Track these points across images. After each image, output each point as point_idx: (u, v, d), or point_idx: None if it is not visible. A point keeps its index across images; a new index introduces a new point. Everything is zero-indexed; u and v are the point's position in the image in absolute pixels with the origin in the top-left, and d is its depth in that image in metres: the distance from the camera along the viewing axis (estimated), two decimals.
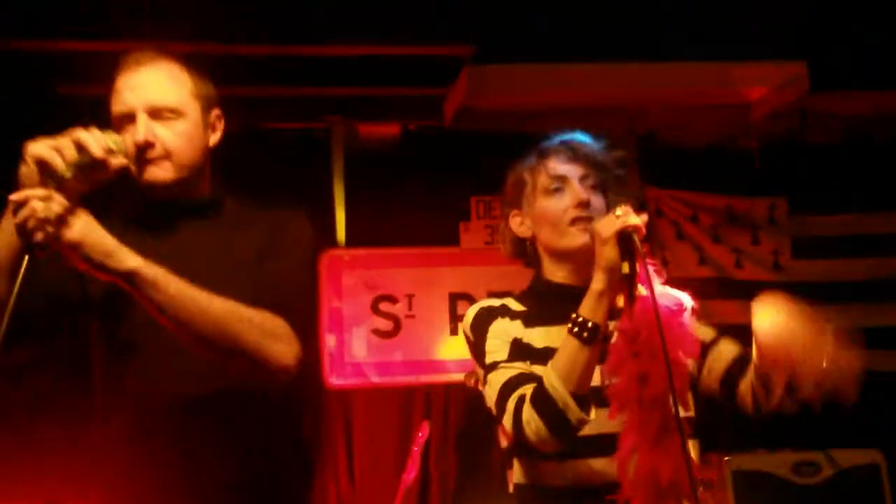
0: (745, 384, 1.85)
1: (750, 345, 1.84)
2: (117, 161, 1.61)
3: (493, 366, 1.85)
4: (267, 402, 1.77)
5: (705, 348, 1.91)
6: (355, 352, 4.18)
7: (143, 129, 1.71)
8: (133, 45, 1.89)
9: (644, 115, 4.19)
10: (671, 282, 1.97)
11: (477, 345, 1.91)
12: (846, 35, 3.67)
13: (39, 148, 1.53)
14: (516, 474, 1.95)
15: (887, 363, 4.39)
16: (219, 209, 1.84)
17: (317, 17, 3.43)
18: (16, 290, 1.46)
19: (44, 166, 1.52)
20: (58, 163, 1.53)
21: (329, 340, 4.15)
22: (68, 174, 1.53)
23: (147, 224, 1.77)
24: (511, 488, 1.97)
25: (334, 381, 4.13)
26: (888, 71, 3.85)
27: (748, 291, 4.94)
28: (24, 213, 1.48)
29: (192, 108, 1.79)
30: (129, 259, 1.54)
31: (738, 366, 1.88)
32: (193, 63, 1.85)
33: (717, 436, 3.41)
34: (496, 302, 1.96)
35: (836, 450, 3.72)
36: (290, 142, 4.21)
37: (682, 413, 1.71)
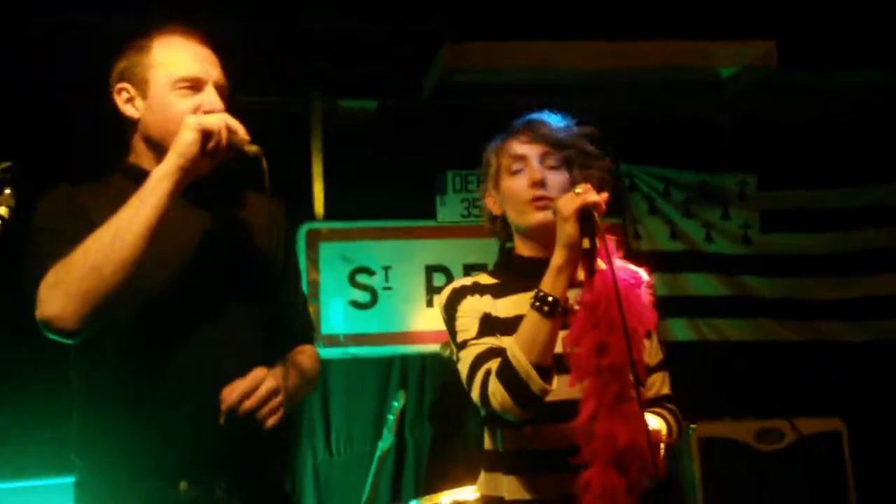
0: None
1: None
2: (251, 148, 1.76)
3: (464, 344, 1.92)
4: None
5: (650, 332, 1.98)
6: (332, 323, 4.20)
7: (217, 101, 1.86)
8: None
9: (618, 92, 4.20)
10: (644, 255, 2.03)
11: (449, 324, 1.98)
12: (815, 14, 3.68)
13: (207, 122, 1.73)
14: (487, 441, 2.03)
15: (848, 334, 4.49)
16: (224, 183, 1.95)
17: None
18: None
19: (207, 135, 1.72)
20: (222, 135, 1.73)
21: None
22: (222, 146, 1.74)
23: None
24: (483, 454, 2.05)
25: None
26: (855, 50, 3.89)
27: (718, 264, 5.04)
28: (220, 126, 1.73)
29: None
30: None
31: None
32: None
33: (682, 405, 3.49)
34: (468, 280, 2.02)
35: (798, 418, 3.77)
36: (268, 116, 4.21)
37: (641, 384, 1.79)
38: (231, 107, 1.91)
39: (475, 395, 1.85)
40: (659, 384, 2.03)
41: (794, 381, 4.21)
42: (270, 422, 1.73)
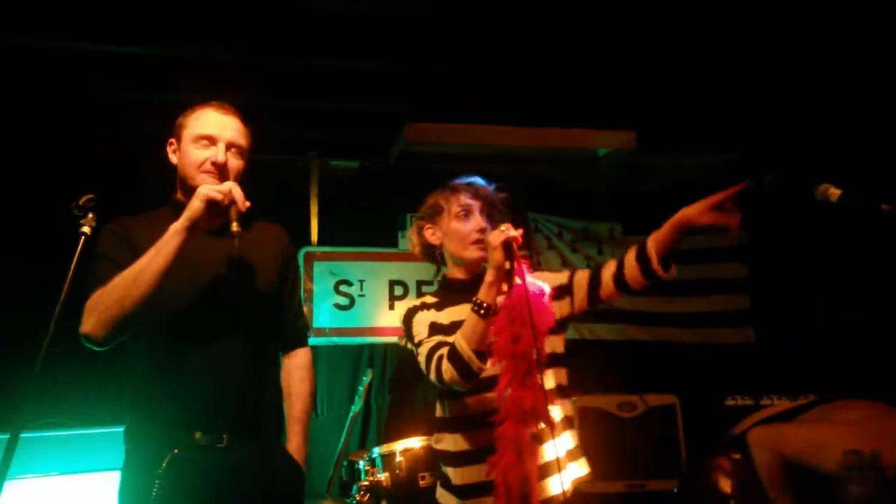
0: (606, 279, 1.92)
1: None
2: (234, 227, 1.71)
3: (420, 343, 1.92)
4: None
5: (568, 286, 1.97)
6: (321, 319, 4.15)
7: (221, 155, 1.82)
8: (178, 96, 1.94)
9: (530, 162, 4.25)
10: (534, 273, 2.05)
11: (408, 332, 1.99)
12: (666, 113, 3.79)
13: (212, 192, 1.71)
14: (438, 410, 2.02)
15: (683, 337, 4.53)
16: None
17: (305, 76, 3.44)
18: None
19: (212, 204, 1.70)
20: (224, 202, 1.71)
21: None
22: (223, 211, 1.71)
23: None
24: (436, 421, 2.04)
25: None
26: (695, 138, 4.01)
27: None
28: (224, 195, 1.71)
29: (245, 154, 1.91)
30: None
31: (593, 277, 1.94)
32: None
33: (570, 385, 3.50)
34: (418, 301, 2.03)
35: (647, 394, 3.82)
36: (280, 169, 4.19)
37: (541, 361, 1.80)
38: (248, 164, 1.91)
39: (432, 376, 1.84)
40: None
41: (644, 368, 4.27)
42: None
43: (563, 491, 1.81)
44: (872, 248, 3.58)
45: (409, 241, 2.12)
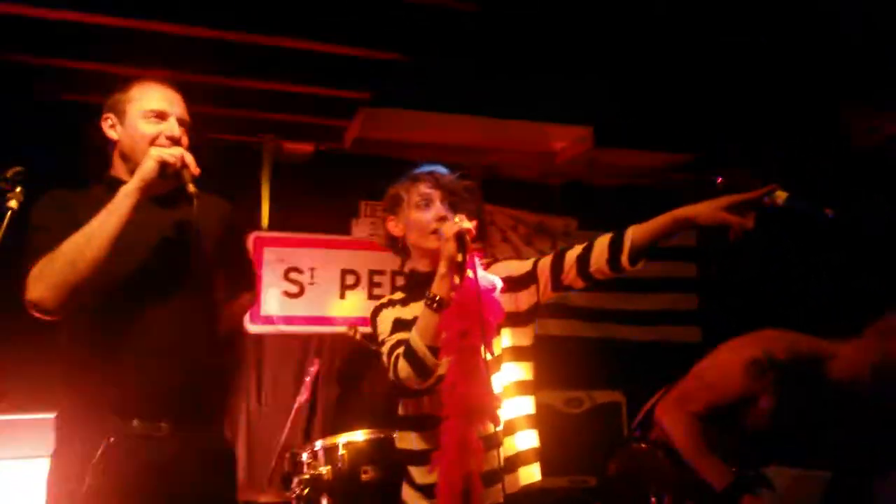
0: (568, 265, 1.88)
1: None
2: (191, 188, 1.71)
3: (383, 342, 1.89)
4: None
5: (532, 273, 1.94)
6: (269, 307, 4.06)
7: (176, 129, 1.81)
8: (122, 69, 1.89)
9: (486, 153, 4.24)
10: (489, 263, 2.03)
11: (373, 329, 1.96)
12: (623, 108, 3.80)
13: (164, 153, 1.69)
14: (400, 409, 1.98)
15: (633, 334, 4.58)
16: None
17: (258, 54, 3.36)
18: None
19: (164, 165, 1.69)
20: (176, 167, 1.70)
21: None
22: (175, 173, 1.70)
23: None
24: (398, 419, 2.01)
25: (251, 327, 4.02)
26: (651, 136, 4.04)
27: None
28: (177, 159, 1.69)
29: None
30: None
31: (556, 261, 1.91)
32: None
33: None
34: (384, 299, 2.01)
35: (593, 390, 3.88)
36: (233, 151, 4.09)
37: (488, 356, 1.78)
38: (193, 140, 1.87)
39: (391, 373, 1.82)
40: None
41: (592, 364, 4.30)
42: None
43: (503, 485, 1.78)
44: (818, 250, 3.67)
45: (378, 233, 2.12)
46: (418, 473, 1.89)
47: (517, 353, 1.96)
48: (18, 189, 1.61)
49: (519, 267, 1.99)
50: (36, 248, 1.64)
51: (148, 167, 1.68)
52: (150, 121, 1.80)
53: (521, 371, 1.96)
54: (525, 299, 1.95)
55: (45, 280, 1.60)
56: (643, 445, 2.23)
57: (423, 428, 1.89)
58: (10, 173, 1.63)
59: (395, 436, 2.03)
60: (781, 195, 2.01)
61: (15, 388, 3.00)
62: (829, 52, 3.29)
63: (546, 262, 1.95)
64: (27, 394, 2.87)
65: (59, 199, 1.77)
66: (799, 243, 3.67)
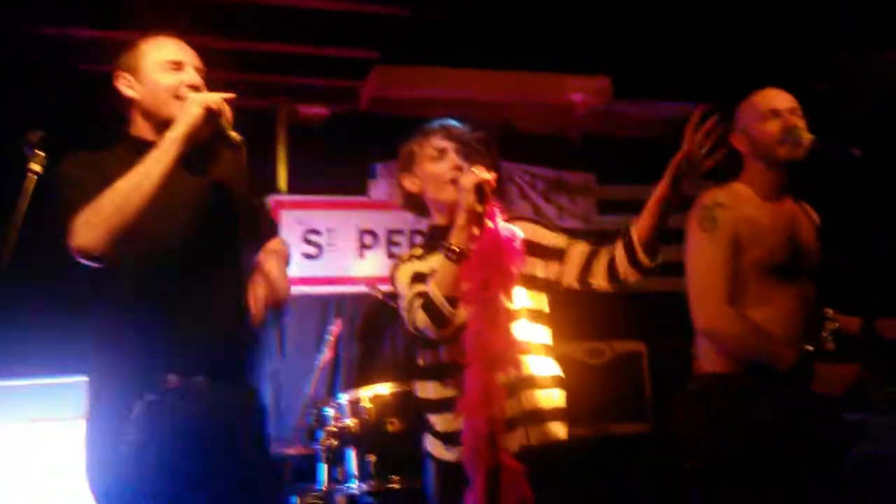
0: (598, 272, 1.85)
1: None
2: (234, 135, 1.69)
3: (402, 295, 1.90)
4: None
5: (562, 253, 1.91)
6: (289, 269, 4.11)
7: (197, 77, 1.78)
8: (131, 35, 1.87)
9: (501, 109, 4.19)
10: (513, 218, 2.02)
11: (394, 284, 1.98)
12: (641, 59, 3.75)
13: (210, 100, 1.66)
14: (419, 359, 2.00)
15: (651, 285, 4.53)
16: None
17: (273, 19, 3.34)
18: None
19: (209, 110, 1.64)
20: (225, 112, 1.66)
21: None
22: (215, 120, 1.65)
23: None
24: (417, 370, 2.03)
25: None
26: (671, 86, 3.98)
27: (568, 235, 5.04)
28: (219, 104, 1.65)
29: None
30: None
31: (588, 260, 1.88)
32: None
33: None
34: (404, 254, 2.02)
35: (615, 340, 3.87)
36: (248, 115, 4.08)
37: (509, 305, 1.79)
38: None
39: (410, 321, 1.83)
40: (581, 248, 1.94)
41: (612, 315, 4.30)
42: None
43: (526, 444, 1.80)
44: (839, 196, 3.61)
45: (395, 192, 2.10)
46: (439, 421, 1.92)
47: (536, 316, 1.95)
48: (41, 153, 1.61)
49: (547, 237, 1.96)
50: (70, 202, 1.63)
51: (193, 112, 1.62)
52: (168, 71, 1.76)
53: (543, 333, 1.96)
54: (544, 269, 1.94)
55: (92, 226, 1.59)
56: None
57: (443, 377, 1.91)
58: (33, 138, 1.63)
59: (415, 386, 2.06)
60: (807, 136, 1.98)
61: (44, 351, 3.08)
62: None
63: (579, 253, 1.91)
64: (57, 356, 2.94)
65: (84, 158, 1.76)
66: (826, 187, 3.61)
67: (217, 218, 1.79)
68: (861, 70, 3.75)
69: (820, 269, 2.04)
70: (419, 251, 2.00)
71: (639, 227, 1.81)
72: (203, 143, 1.76)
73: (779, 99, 2.05)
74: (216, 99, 1.67)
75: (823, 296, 2.04)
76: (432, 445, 1.95)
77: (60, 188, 1.68)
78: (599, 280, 1.87)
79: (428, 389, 1.95)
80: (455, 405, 1.83)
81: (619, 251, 1.84)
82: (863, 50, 3.61)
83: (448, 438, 1.88)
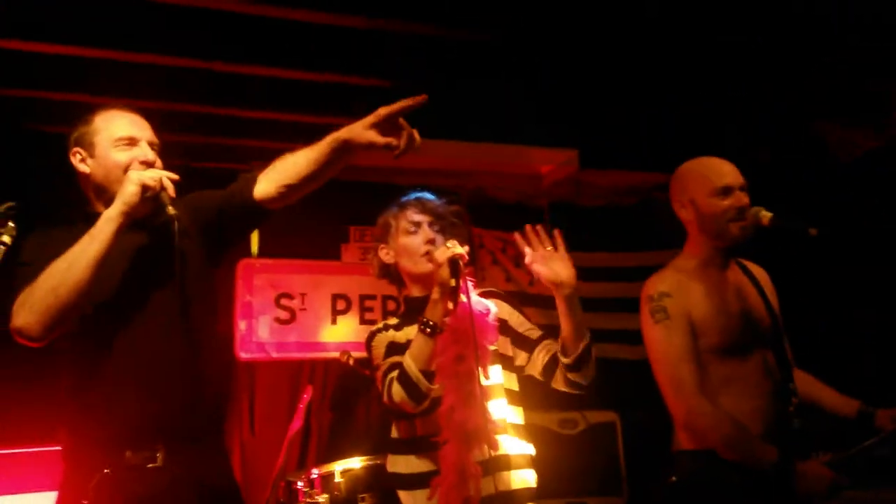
0: (559, 375, 1.92)
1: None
2: (170, 210, 1.69)
3: (377, 366, 1.91)
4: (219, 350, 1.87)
5: (531, 345, 1.96)
6: (260, 334, 4.05)
7: (150, 153, 1.78)
8: (101, 100, 1.87)
9: (473, 177, 4.27)
10: (487, 293, 2.06)
11: (369, 354, 1.97)
12: (608, 132, 3.86)
13: (144, 177, 1.67)
14: (392, 431, 1.99)
15: (625, 353, 4.52)
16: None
17: (241, 83, 3.38)
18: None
19: (145, 189, 1.66)
20: (156, 190, 1.68)
21: (241, 325, 4.02)
22: (154, 196, 1.67)
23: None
24: (388, 443, 2.00)
25: (243, 355, 4.01)
26: (635, 157, 4.10)
27: (539, 302, 5.10)
28: (156, 181, 1.67)
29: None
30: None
31: (550, 362, 1.94)
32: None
33: None
34: (380, 324, 2.03)
35: (587, 410, 3.86)
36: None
37: (484, 381, 1.79)
38: (191, 173, 1.86)
39: (385, 397, 1.82)
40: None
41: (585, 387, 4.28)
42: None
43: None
44: (802, 269, 3.71)
45: (370, 262, 2.11)
46: (408, 498, 1.88)
47: (510, 395, 1.97)
48: (11, 224, 1.59)
49: (522, 324, 2.00)
50: (20, 281, 1.64)
51: (130, 191, 1.65)
52: (121, 148, 1.77)
53: (515, 415, 1.97)
54: (513, 351, 1.97)
55: (28, 307, 1.59)
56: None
57: (417, 450, 1.89)
58: (2, 208, 1.61)
59: (387, 460, 2.02)
60: (766, 214, 2.03)
61: (26, 421, 2.97)
62: (807, 68, 3.34)
63: (546, 351, 1.96)
64: (38, 426, 2.84)
65: (43, 236, 1.75)
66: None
67: (171, 283, 1.74)
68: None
69: (774, 332, 2.03)
70: (394, 320, 2.01)
71: (561, 337, 1.87)
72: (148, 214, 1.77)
73: (730, 176, 2.01)
74: (154, 176, 1.69)
75: (783, 357, 2.03)
76: None
77: (15, 266, 1.68)
78: (560, 386, 1.92)
79: (400, 463, 1.92)
80: (428, 481, 1.81)
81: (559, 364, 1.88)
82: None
83: None
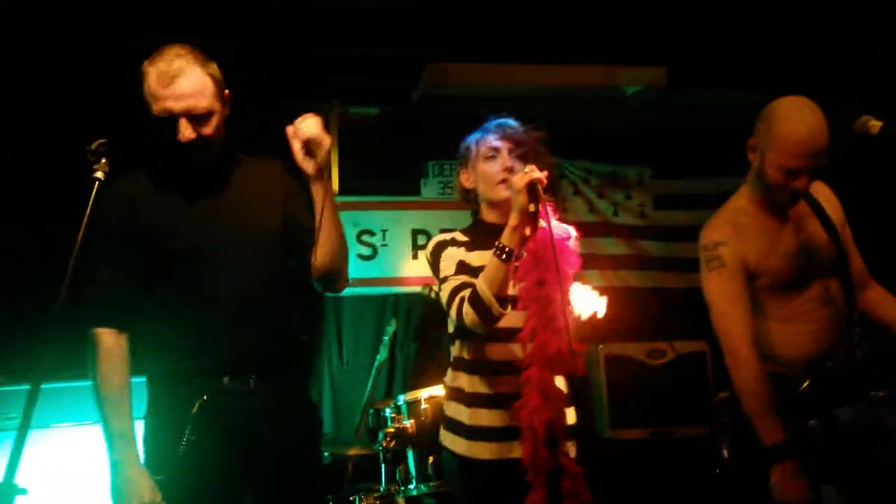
0: None
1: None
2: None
3: (445, 279, 1.90)
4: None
5: None
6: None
7: (187, 130, 1.70)
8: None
9: (555, 102, 4.12)
10: (569, 223, 2.02)
11: (434, 265, 1.96)
12: (697, 47, 3.65)
13: (310, 130, 1.73)
14: (456, 350, 2.01)
15: None
16: (233, 162, 1.86)
17: (321, 22, 3.37)
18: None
19: (308, 143, 1.72)
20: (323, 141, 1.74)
21: None
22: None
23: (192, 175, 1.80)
24: (452, 359, 2.03)
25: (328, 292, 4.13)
26: (726, 76, 3.86)
27: (623, 232, 4.99)
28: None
29: (216, 104, 1.75)
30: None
31: None
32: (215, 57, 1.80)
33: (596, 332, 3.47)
34: (448, 236, 2.00)
35: (676, 341, 3.77)
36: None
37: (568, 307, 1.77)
38: (267, 112, 1.84)
39: (453, 314, 1.84)
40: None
41: (673, 314, 4.20)
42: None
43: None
44: None
45: (455, 186, 2.12)
46: (466, 414, 1.91)
47: None
48: (104, 160, 1.65)
49: None
50: (92, 273, 1.73)
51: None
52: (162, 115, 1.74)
53: None
54: None
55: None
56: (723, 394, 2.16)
57: (483, 373, 1.91)
58: (94, 145, 1.67)
59: (448, 375, 2.05)
60: (875, 124, 1.89)
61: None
62: None
63: None
64: None
65: (119, 197, 1.78)
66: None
67: (260, 227, 1.83)
68: None
69: (838, 260, 2.01)
70: (462, 237, 2.00)
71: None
72: (240, 162, 1.82)
73: (804, 158, 1.90)
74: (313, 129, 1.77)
75: (848, 285, 1.99)
76: (449, 440, 1.95)
77: (91, 229, 1.59)
78: None
79: (462, 380, 1.95)
80: (489, 402, 1.86)
81: None
82: None
83: (472, 433, 1.89)
